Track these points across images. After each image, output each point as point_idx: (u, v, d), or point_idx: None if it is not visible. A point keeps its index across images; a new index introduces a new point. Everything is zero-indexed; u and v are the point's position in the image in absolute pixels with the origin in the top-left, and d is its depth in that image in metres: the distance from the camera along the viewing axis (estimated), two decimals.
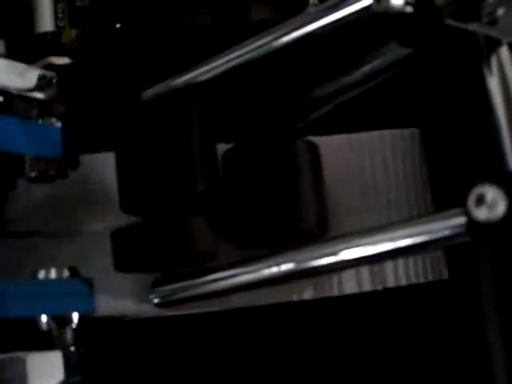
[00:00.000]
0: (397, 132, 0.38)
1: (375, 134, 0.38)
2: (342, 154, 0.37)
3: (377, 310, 0.37)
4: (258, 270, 0.31)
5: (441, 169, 0.37)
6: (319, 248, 0.31)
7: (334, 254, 0.30)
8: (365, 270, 0.36)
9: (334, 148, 0.37)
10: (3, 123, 0.31)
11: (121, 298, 0.34)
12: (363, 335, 0.37)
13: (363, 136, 0.38)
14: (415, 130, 0.38)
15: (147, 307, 0.34)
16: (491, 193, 0.26)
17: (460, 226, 0.28)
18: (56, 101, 0.33)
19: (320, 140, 0.36)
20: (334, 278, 0.36)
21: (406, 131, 0.38)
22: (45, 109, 0.33)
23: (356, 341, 0.37)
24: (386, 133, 0.38)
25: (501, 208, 0.26)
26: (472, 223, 0.26)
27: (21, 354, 0.29)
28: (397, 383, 0.36)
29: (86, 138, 0.34)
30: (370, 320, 0.37)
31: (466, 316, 0.35)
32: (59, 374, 0.30)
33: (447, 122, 0.37)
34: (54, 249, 0.34)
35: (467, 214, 0.26)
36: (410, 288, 0.37)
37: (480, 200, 0.26)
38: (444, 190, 0.36)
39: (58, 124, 0.33)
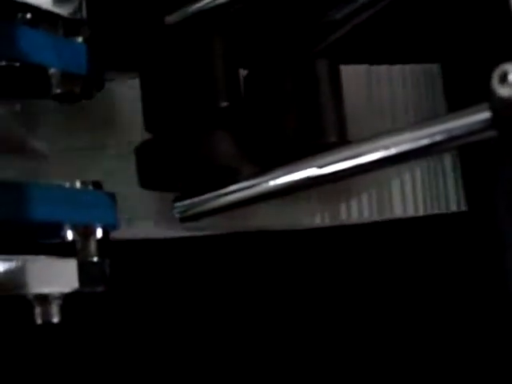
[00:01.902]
0: (418, 67, 0.39)
1: (396, 67, 0.38)
2: (363, 84, 0.37)
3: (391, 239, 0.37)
4: (280, 177, 0.31)
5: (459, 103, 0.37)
6: (341, 152, 0.31)
7: (356, 156, 0.30)
8: (385, 198, 0.36)
9: (354, 78, 0.37)
10: (30, 34, 0.32)
11: (143, 219, 0.34)
12: (378, 264, 0.37)
13: (384, 68, 0.38)
14: (436, 66, 0.39)
15: (171, 226, 0.34)
16: None
17: (485, 120, 0.28)
18: (81, 24, 0.34)
19: (341, 69, 0.36)
20: (354, 204, 0.36)
21: (427, 66, 0.39)
22: (70, 28, 0.34)
23: (373, 270, 0.37)
24: (407, 67, 0.38)
25: None
26: (496, 102, 0.26)
27: (25, 257, 0.29)
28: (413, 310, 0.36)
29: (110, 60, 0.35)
30: (383, 250, 0.37)
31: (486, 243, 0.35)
32: (72, 281, 0.30)
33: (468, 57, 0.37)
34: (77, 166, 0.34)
35: (491, 93, 0.26)
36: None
37: (503, 78, 0.26)
38: None
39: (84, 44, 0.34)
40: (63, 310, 0.30)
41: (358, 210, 0.36)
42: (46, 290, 0.30)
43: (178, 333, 0.36)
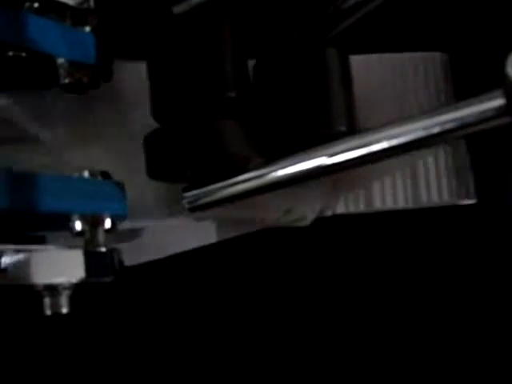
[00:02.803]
0: (428, 55, 0.38)
1: (407, 55, 0.38)
2: (374, 73, 0.37)
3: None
4: (289, 166, 0.31)
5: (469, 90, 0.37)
6: (352, 140, 0.30)
7: (366, 145, 0.30)
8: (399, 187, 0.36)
9: (365, 66, 0.37)
10: (38, 23, 0.31)
11: (149, 207, 0.34)
12: (390, 256, 0.37)
13: (394, 57, 0.38)
14: (446, 54, 0.38)
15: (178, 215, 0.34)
16: None
17: (499, 107, 0.27)
18: (89, 13, 0.34)
19: (351, 58, 0.36)
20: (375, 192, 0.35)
21: (438, 54, 0.38)
22: (78, 18, 0.33)
23: (385, 260, 0.37)
24: (418, 55, 0.38)
25: None
26: (510, 88, 0.26)
27: (32, 247, 0.29)
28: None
29: (118, 47, 0.34)
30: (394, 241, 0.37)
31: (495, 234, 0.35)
32: (79, 272, 0.30)
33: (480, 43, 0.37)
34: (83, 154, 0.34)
35: (505, 79, 0.26)
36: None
37: None
38: None
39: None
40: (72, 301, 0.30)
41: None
42: (53, 280, 0.29)
43: (184, 326, 0.36)
